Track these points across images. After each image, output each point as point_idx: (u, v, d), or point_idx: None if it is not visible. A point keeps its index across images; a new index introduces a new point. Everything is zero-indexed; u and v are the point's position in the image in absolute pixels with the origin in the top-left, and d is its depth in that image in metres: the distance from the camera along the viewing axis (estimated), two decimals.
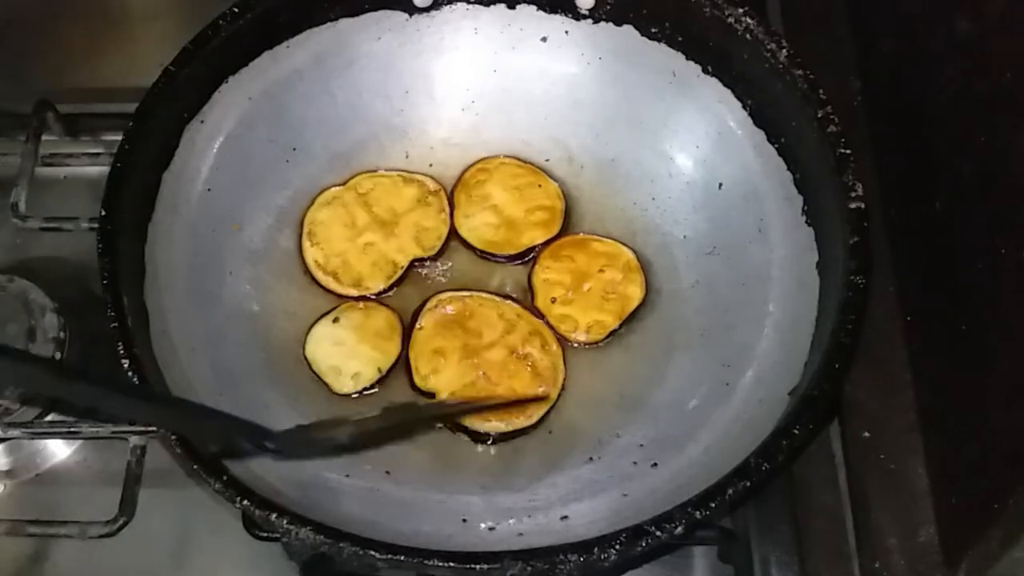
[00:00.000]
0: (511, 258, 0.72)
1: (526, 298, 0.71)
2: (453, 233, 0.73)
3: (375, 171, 0.74)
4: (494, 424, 0.66)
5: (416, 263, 0.72)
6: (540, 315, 0.70)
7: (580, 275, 0.71)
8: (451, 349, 0.68)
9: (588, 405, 0.67)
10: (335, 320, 0.69)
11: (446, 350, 0.68)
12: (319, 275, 0.71)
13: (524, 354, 0.68)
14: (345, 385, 0.67)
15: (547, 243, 0.72)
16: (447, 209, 0.73)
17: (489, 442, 0.66)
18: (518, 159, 0.74)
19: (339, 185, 0.73)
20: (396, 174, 0.74)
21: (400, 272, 0.71)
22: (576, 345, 0.69)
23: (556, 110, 0.74)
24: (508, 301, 0.70)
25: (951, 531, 0.60)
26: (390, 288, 0.71)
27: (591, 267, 0.71)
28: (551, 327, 0.69)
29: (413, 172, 0.74)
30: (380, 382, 0.68)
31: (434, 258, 0.72)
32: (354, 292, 0.71)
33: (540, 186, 0.74)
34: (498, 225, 0.73)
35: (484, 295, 0.70)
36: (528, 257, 0.72)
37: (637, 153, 0.73)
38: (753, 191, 0.68)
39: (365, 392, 0.67)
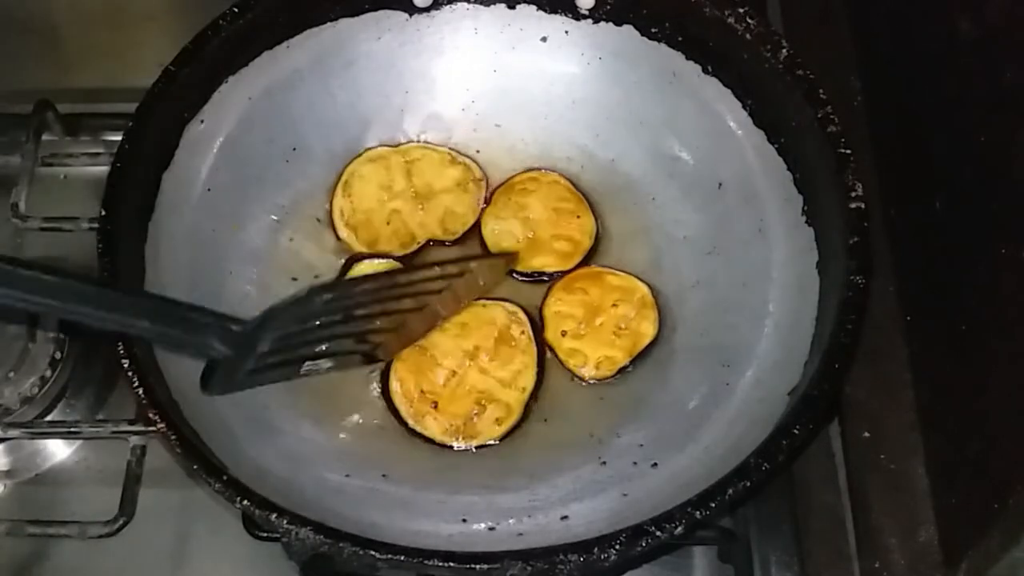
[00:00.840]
0: (518, 274, 0.72)
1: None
2: (477, 228, 0.73)
3: (428, 143, 0.75)
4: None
5: (432, 243, 0.72)
6: (550, 347, 0.69)
7: (593, 309, 0.69)
8: (469, 336, 0.68)
9: (588, 405, 0.67)
10: None
11: (468, 330, 0.68)
12: (339, 225, 0.72)
13: (482, 404, 0.66)
14: None
15: (561, 275, 0.71)
16: (482, 200, 0.73)
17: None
18: (573, 183, 0.74)
19: (390, 147, 0.74)
20: (447, 151, 0.74)
21: (415, 247, 0.72)
22: (584, 383, 0.68)
23: (556, 110, 0.74)
24: (536, 370, 0.68)
25: (951, 531, 0.60)
26: (400, 259, 0.72)
27: (604, 301, 0.69)
28: (560, 361, 0.68)
29: (464, 154, 0.75)
30: None
31: (451, 244, 0.73)
32: (366, 251, 0.72)
33: (579, 217, 0.72)
34: (520, 239, 0.72)
35: (535, 347, 0.68)
36: (535, 279, 0.71)
37: (637, 153, 0.73)
38: (753, 191, 0.68)
39: None
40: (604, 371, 0.68)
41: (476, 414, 0.66)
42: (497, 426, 0.66)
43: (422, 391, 0.66)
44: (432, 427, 0.66)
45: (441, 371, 0.67)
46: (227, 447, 0.58)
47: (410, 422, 0.66)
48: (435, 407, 0.66)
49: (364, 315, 0.64)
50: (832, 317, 0.58)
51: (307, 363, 0.63)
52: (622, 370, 0.68)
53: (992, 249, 0.56)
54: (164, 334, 0.56)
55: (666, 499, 0.54)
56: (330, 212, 0.73)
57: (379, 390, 0.67)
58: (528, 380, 0.67)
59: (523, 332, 0.69)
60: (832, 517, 0.66)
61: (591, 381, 0.68)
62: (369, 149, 0.74)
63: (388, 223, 0.72)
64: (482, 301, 0.69)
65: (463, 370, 0.67)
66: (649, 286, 0.70)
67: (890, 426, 0.65)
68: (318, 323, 0.61)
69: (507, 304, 0.69)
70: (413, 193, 0.73)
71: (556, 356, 0.68)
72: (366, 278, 0.68)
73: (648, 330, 0.68)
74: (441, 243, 0.73)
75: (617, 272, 0.71)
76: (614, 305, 0.69)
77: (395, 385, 0.66)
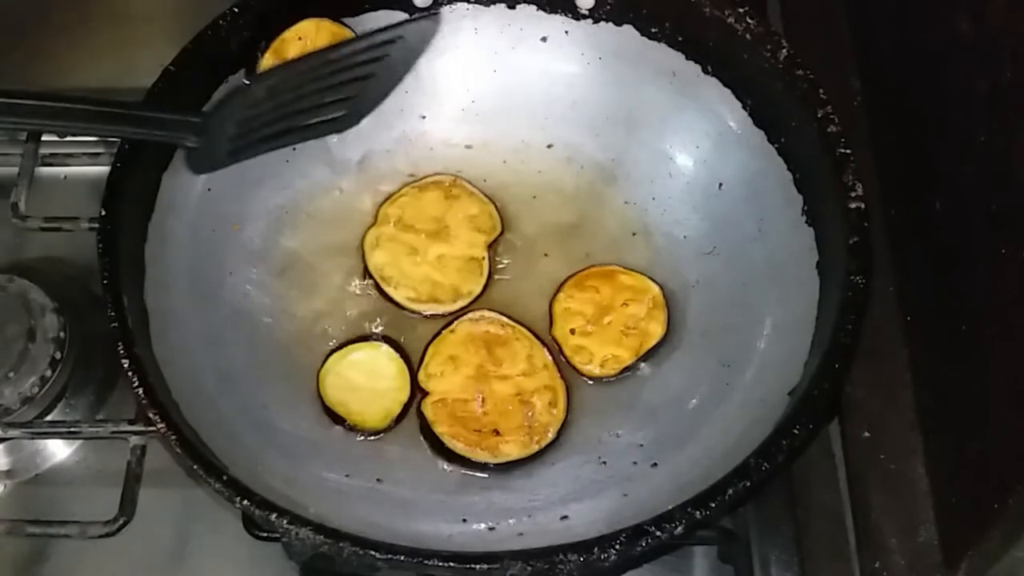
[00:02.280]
0: None
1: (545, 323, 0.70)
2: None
3: (387, 198, 0.73)
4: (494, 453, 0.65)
5: (493, 244, 0.72)
6: (556, 344, 0.68)
7: (603, 308, 0.69)
8: (466, 363, 0.67)
9: (588, 405, 0.67)
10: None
11: (461, 361, 0.68)
12: (425, 307, 0.70)
13: (528, 402, 0.66)
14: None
15: (574, 274, 0.71)
16: (477, 191, 0.73)
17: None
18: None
19: (371, 227, 0.72)
20: (407, 188, 0.73)
21: (486, 264, 0.71)
22: (590, 381, 0.67)
23: (556, 110, 0.74)
24: (544, 348, 0.68)
25: (951, 531, 0.60)
26: (487, 284, 0.71)
27: (615, 300, 0.69)
28: (565, 358, 0.68)
29: (420, 177, 0.74)
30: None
31: (503, 233, 0.72)
32: (463, 303, 0.70)
33: None
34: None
35: (526, 331, 0.69)
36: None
37: (637, 153, 0.73)
38: (753, 191, 0.68)
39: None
40: (609, 369, 0.68)
41: (530, 413, 0.66)
42: (554, 409, 0.66)
43: (475, 430, 0.65)
44: (512, 450, 0.65)
45: (472, 404, 0.66)
46: (227, 447, 0.58)
47: (491, 461, 0.65)
48: (498, 433, 0.65)
49: (311, 91, 0.69)
50: (832, 317, 0.58)
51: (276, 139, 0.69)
52: (627, 369, 0.68)
53: (992, 249, 0.56)
54: (147, 135, 0.64)
55: (666, 499, 0.54)
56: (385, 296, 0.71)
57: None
58: (542, 356, 0.68)
59: (503, 325, 0.69)
60: (832, 517, 0.66)
61: (594, 381, 0.68)
62: (362, 241, 0.71)
63: (448, 270, 0.71)
64: (451, 326, 0.69)
65: (488, 391, 0.67)
66: (660, 286, 0.70)
67: (890, 426, 0.65)
68: (270, 105, 0.67)
69: (470, 315, 0.69)
70: (434, 235, 0.72)
71: (562, 353, 0.68)
72: (301, 58, 0.69)
73: (656, 330, 0.68)
74: (499, 236, 0.72)
75: (630, 272, 0.71)
76: (624, 304, 0.69)
77: (453, 444, 0.65)
